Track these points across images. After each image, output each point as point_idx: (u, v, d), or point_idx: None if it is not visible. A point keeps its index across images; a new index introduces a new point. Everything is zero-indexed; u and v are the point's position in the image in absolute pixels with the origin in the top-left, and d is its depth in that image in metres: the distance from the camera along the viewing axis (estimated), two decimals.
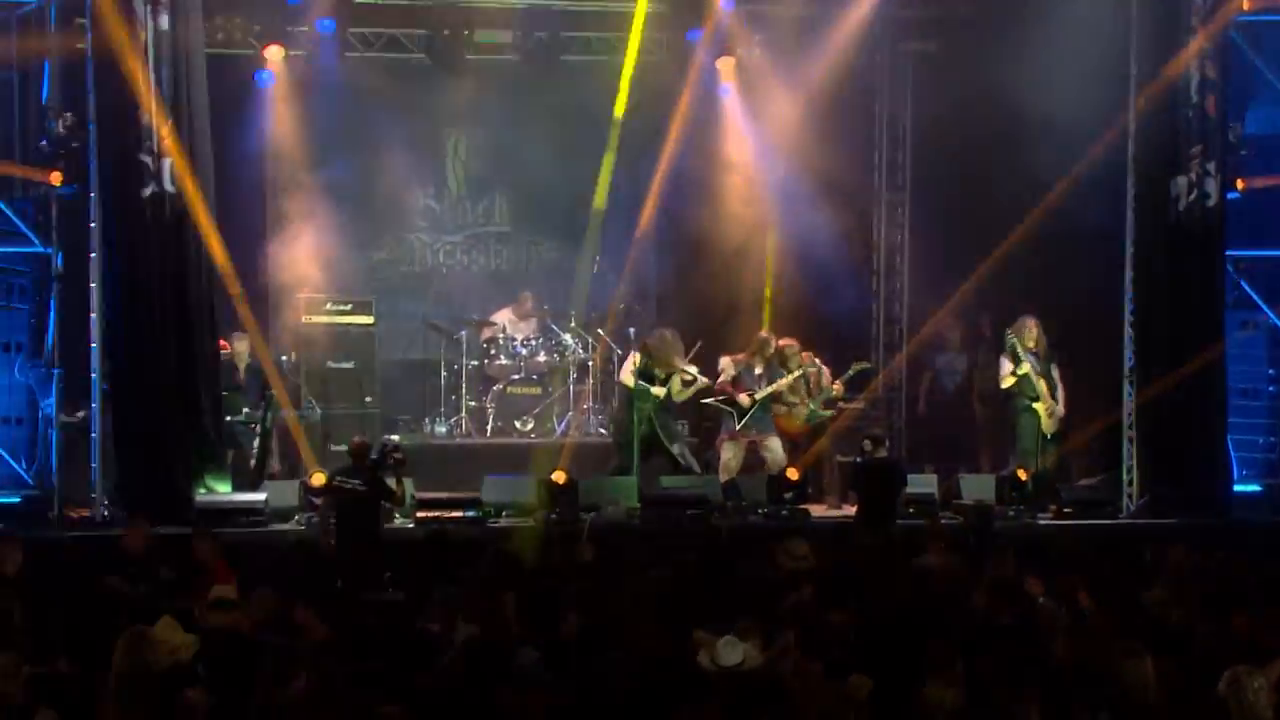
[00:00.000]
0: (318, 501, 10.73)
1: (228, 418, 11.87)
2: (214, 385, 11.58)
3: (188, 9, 11.15)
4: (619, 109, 13.59)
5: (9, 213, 12.45)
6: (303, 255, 13.52)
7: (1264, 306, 14.00)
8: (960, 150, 13.82)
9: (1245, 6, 12.51)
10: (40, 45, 11.98)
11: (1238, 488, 12.83)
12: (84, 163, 11.39)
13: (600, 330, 13.96)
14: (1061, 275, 13.18)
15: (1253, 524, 12.07)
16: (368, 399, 13.37)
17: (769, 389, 12.44)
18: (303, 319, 13.44)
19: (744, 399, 12.35)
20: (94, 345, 11.27)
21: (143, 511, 10.19)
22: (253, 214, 13.59)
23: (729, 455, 12.39)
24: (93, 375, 11.31)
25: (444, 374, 14.06)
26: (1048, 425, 12.42)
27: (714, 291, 14.13)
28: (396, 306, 14.69)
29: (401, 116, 14.14)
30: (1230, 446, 12.71)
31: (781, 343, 12.73)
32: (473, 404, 13.98)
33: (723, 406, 12.46)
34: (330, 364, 13.41)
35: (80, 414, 11.69)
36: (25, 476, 12.57)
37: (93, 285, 11.29)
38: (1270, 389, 14.16)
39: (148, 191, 11.13)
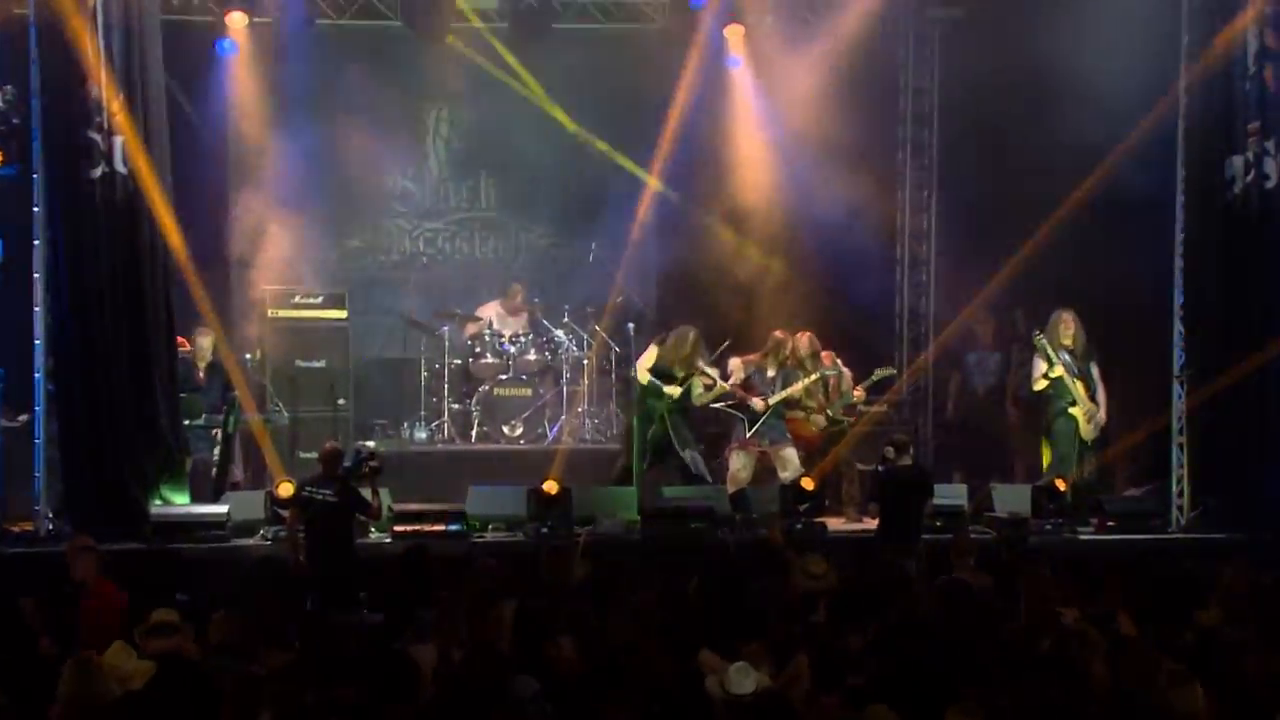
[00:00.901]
0: (285, 514, 10.69)
1: (186, 422, 11.88)
2: (171, 386, 11.58)
3: None
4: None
5: None
6: (268, 243, 13.56)
7: None
8: (992, 127, 13.86)
9: None
10: None
11: None
12: (27, 141, 11.35)
13: (597, 326, 14.11)
14: (1104, 265, 13.20)
15: None
16: (340, 401, 13.42)
17: (783, 393, 12.43)
18: (269, 313, 13.51)
19: (756, 404, 12.38)
20: (38, 342, 11.24)
21: (92, 525, 10.26)
22: (213, 198, 13.62)
23: (738, 465, 12.38)
24: (36, 375, 11.28)
25: (424, 374, 14.14)
26: (1087, 431, 12.42)
27: (721, 284, 14.22)
28: (372, 300, 14.78)
29: (377, 90, 14.20)
30: None
31: (799, 340, 12.78)
32: (456, 407, 14.05)
33: (732, 412, 12.45)
34: (299, 363, 13.46)
35: (22, 418, 11.67)
36: None
37: (36, 276, 11.25)
38: None
39: (97, 172, 11.12)
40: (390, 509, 11.20)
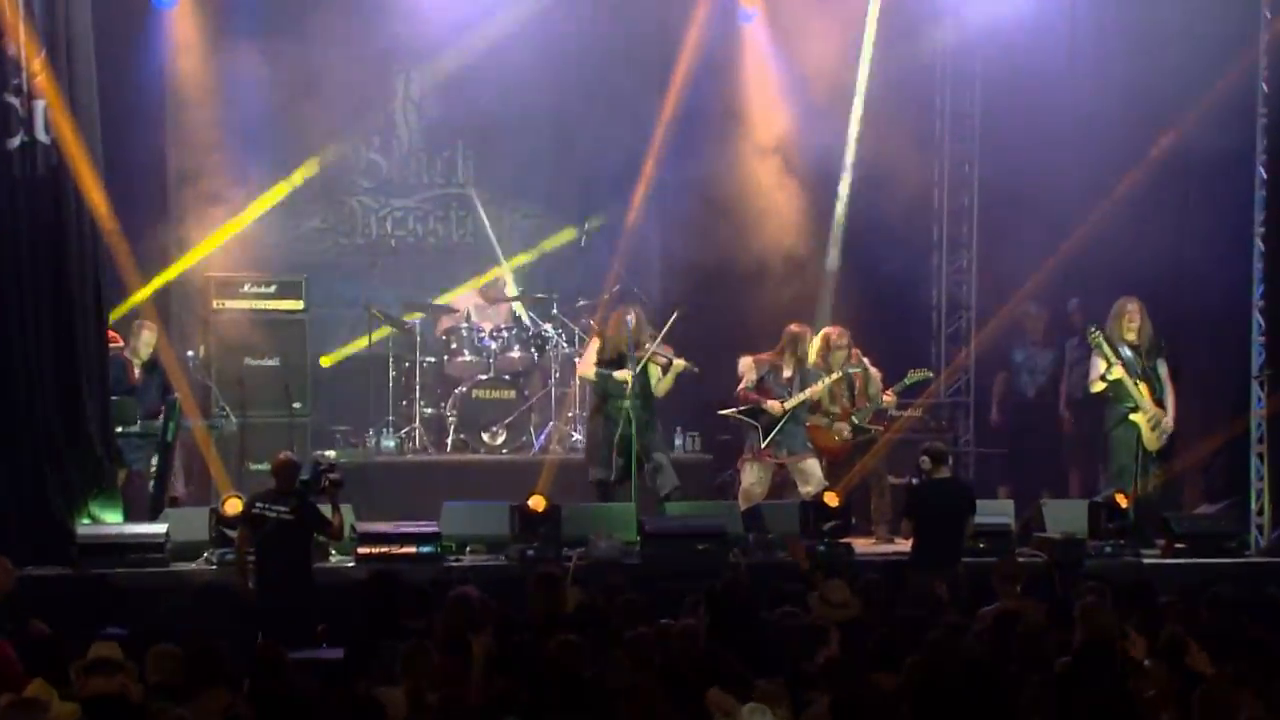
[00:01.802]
0: (233, 535, 10.68)
1: (119, 429, 11.84)
2: (102, 387, 11.54)
3: None
4: None
5: None
6: (214, 224, 13.58)
7: None
8: (1043, 87, 13.89)
9: None
10: None
11: None
12: None
13: (590, 320, 14.06)
14: (1172, 247, 13.23)
15: None
16: (296, 405, 13.46)
17: (802, 395, 12.43)
18: (214, 304, 13.54)
19: (772, 407, 12.38)
20: None
21: (7, 547, 10.14)
22: (151, 172, 13.63)
23: (752, 478, 12.44)
24: None
25: (392, 373, 14.18)
26: (1151, 439, 12.48)
27: (731, 271, 14.32)
28: (333, 289, 14.76)
29: (338, 48, 14.19)
30: None
31: (824, 334, 12.77)
32: (429, 412, 14.11)
33: (744, 419, 12.53)
34: (249, 361, 13.49)
35: None
36: None
37: None
38: None
39: (16, 142, 11.05)
40: (353, 529, 11.18)
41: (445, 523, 11.61)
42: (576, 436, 13.91)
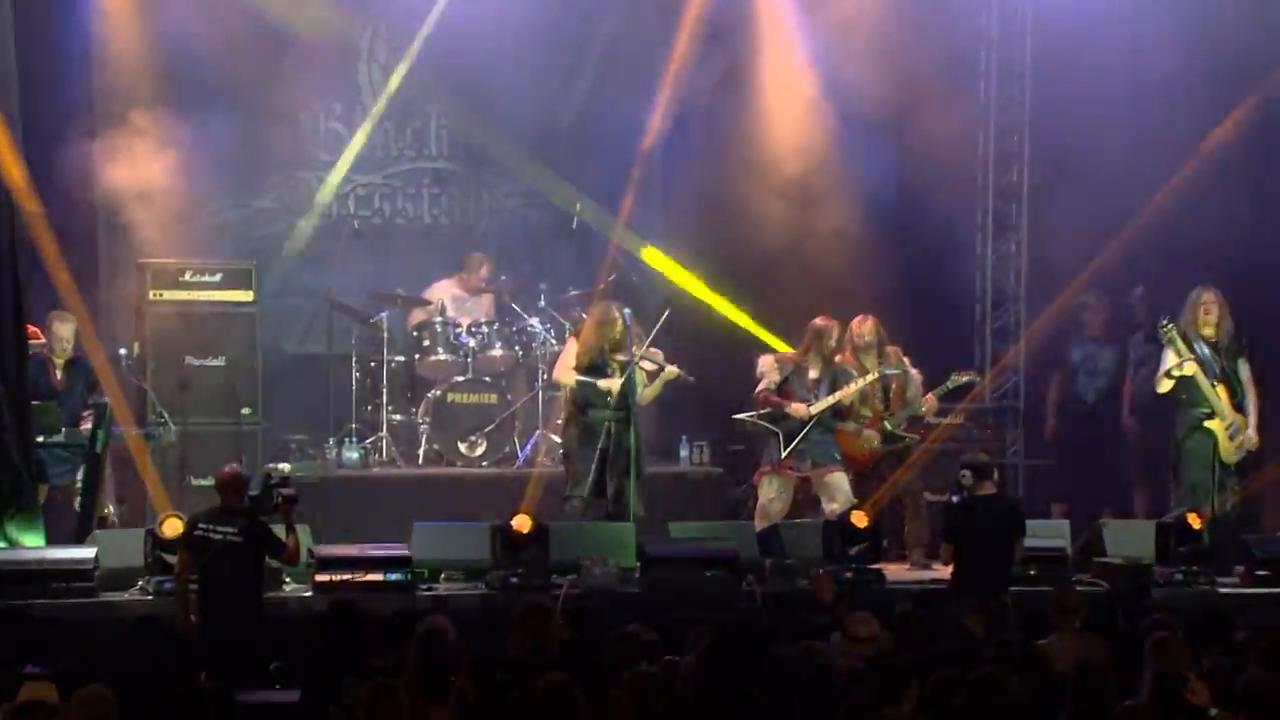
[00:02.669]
0: (171, 560, 10.66)
1: (39, 438, 11.81)
2: (18, 389, 11.49)
3: None
4: None
5: None
6: (149, 202, 13.54)
7: None
8: (1103, 49, 13.94)
9: None
10: None
11: None
12: None
13: (583, 312, 13.88)
14: (1254, 228, 13.22)
15: None
16: (246, 411, 13.52)
17: (831, 399, 12.45)
18: (150, 295, 13.54)
19: (797, 411, 12.39)
20: None
21: None
22: (77, 144, 13.60)
23: (770, 494, 12.47)
24: None
25: (356, 374, 14.23)
26: (1229, 450, 12.47)
27: (747, 257, 14.41)
28: (288, 277, 14.82)
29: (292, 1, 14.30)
30: None
31: (857, 328, 12.76)
32: (398, 419, 14.18)
33: (763, 425, 12.54)
34: (191, 360, 13.52)
35: None
36: None
37: None
38: None
39: None
40: (311, 553, 11.19)
41: (417, 546, 11.59)
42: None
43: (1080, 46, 14.12)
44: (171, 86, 13.83)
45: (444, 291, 14.62)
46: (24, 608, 10.59)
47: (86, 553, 11.25)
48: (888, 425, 12.83)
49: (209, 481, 11.28)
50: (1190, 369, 12.33)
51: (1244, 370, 12.53)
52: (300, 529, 10.71)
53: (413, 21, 14.84)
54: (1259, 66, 12.66)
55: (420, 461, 13.96)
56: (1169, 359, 12.46)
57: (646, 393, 12.42)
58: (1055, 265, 14.41)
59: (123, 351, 13.33)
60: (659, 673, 7.88)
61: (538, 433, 14.09)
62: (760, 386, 12.54)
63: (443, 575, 11.68)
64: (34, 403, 11.76)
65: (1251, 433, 12.46)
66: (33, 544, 11.41)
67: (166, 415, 13.07)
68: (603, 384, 12.27)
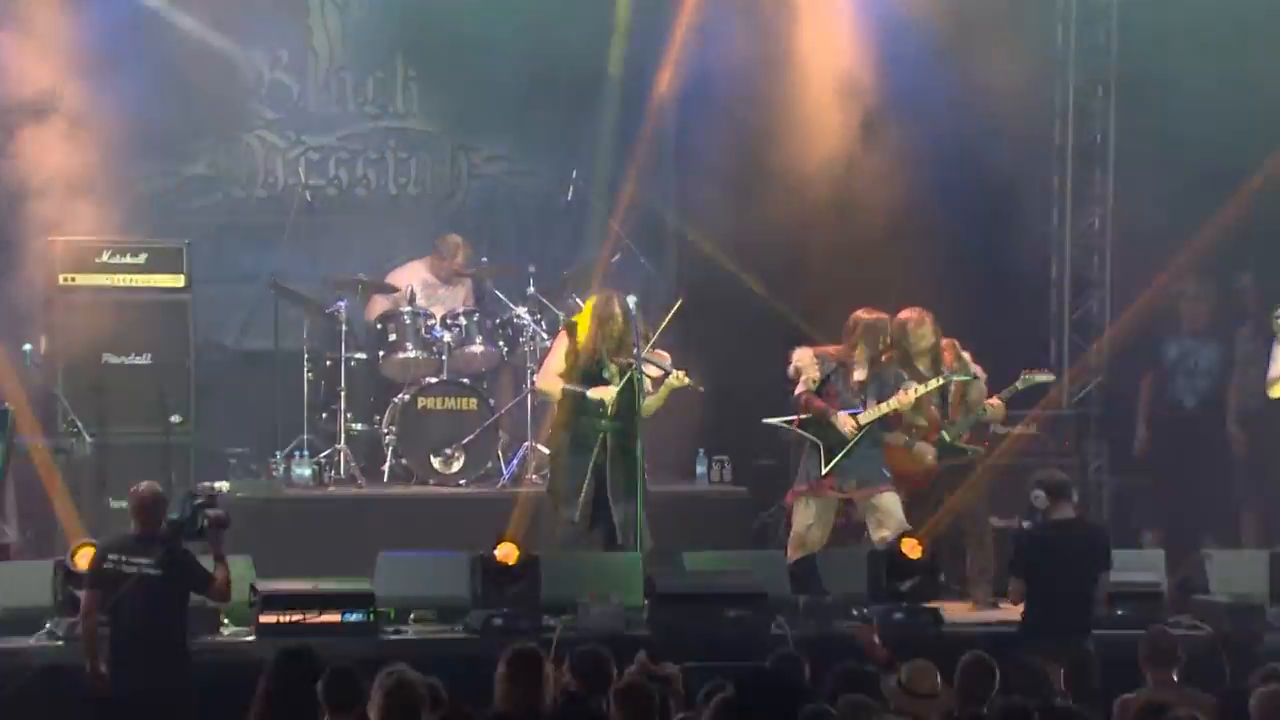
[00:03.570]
0: (83, 596, 10.42)
1: None
2: None
3: None
4: None
5: None
6: (56, 169, 13.49)
7: None
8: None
9: None
10: None
11: None
12: None
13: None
14: None
15: None
16: (176, 419, 13.53)
17: (883, 407, 12.43)
18: (59, 279, 13.54)
19: (842, 422, 12.34)
20: None
21: None
22: None
23: (807, 518, 12.45)
24: None
25: (308, 375, 14.26)
26: None
27: (774, 238, 14.41)
28: (225, 259, 14.89)
29: None
30: None
31: (911, 323, 12.71)
32: (359, 428, 14.25)
33: (802, 433, 12.52)
34: (110, 358, 13.54)
35: None
36: None
37: None
38: None
39: None
40: (253, 589, 11.17)
41: (382, 580, 11.59)
42: None
43: None
44: (80, 32, 13.66)
45: (413, 276, 14.60)
46: None
47: None
48: (946, 436, 12.78)
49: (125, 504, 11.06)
50: None
51: None
52: (240, 561, 10.72)
53: None
54: None
55: (385, 479, 14.00)
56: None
57: (648, 403, 12.37)
58: (1146, 244, 14.49)
59: (27, 347, 13.34)
60: None
61: (525, 445, 14.09)
62: (800, 388, 12.47)
63: (413, 616, 11.67)
64: None
65: None
66: None
67: (80, 425, 13.04)
68: (594, 393, 12.21)
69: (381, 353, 14.21)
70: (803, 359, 12.55)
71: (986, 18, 14.01)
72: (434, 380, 14.08)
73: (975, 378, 12.77)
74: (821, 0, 14.56)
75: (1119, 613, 11.53)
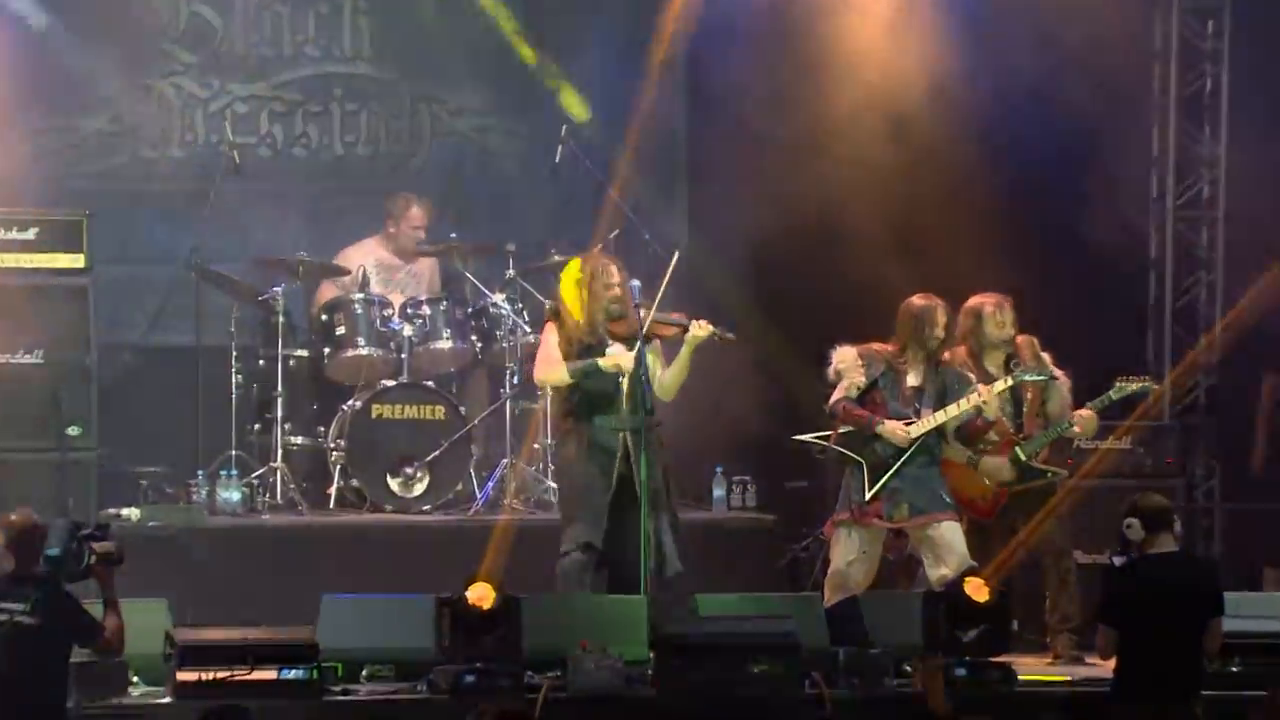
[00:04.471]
0: None
1: None
2: None
3: None
4: None
5: None
6: None
7: None
8: None
9: None
10: None
11: None
12: None
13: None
14: None
15: None
16: (74, 430, 13.61)
17: (941, 416, 12.36)
18: None
19: (891, 433, 12.22)
20: None
21: None
22: None
23: (848, 553, 12.39)
24: None
25: (236, 377, 14.34)
26: None
27: (812, 209, 14.39)
28: (134, 234, 14.95)
29: None
30: None
31: (973, 308, 12.66)
32: (299, 442, 14.34)
33: (839, 450, 12.46)
34: None
35: None
36: None
37: None
38: None
39: None
40: (170, 640, 10.99)
41: (327, 629, 11.40)
42: (548, 483, 13.88)
43: None
44: None
45: (366, 255, 14.63)
46: None
47: None
48: (1021, 454, 12.69)
49: None
50: None
51: None
52: (153, 605, 10.80)
53: None
54: None
55: (332, 505, 14.01)
56: None
57: (671, 374, 12.20)
58: (1266, 217, 14.55)
59: None
60: None
61: (504, 461, 14.09)
62: (837, 394, 12.33)
63: (365, 671, 11.54)
64: None
65: None
66: None
67: None
68: (606, 362, 12.03)
69: (327, 349, 14.21)
70: (844, 359, 12.41)
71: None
72: (392, 384, 14.10)
73: (1054, 379, 12.64)
74: None
75: (1233, 668, 11.40)
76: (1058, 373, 12.67)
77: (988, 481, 12.66)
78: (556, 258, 14.23)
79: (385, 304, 14.22)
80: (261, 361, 14.17)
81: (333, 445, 14.02)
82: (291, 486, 13.95)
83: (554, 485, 13.50)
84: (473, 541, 12.57)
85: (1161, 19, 15.20)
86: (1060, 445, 12.78)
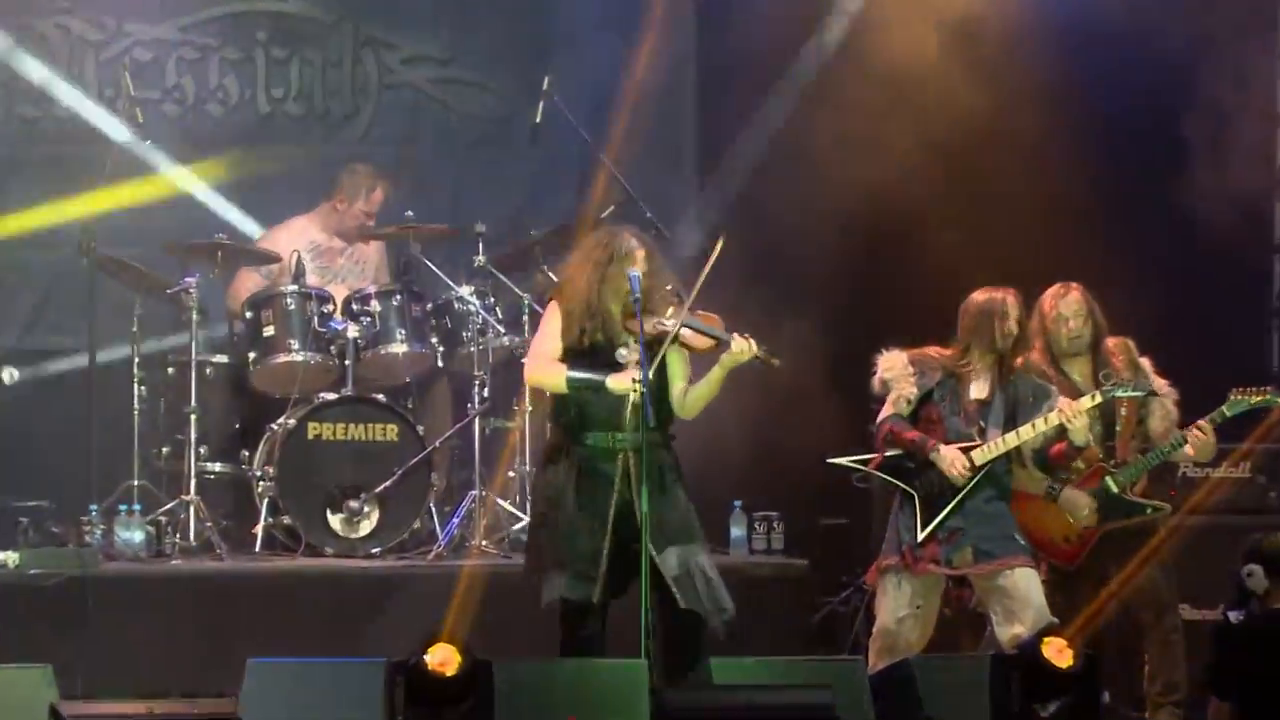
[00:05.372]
0: None
1: None
2: None
3: None
4: None
5: None
6: None
7: None
8: None
9: None
10: None
11: None
12: None
13: (551, 273, 14.17)
14: None
15: None
16: None
17: (1016, 438, 12.31)
18: None
19: (951, 463, 12.08)
20: None
21: None
22: None
23: (898, 607, 12.36)
24: None
25: (140, 390, 14.47)
26: None
27: (853, 188, 14.51)
28: (8, 210, 15.07)
29: None
30: None
31: (1055, 307, 12.67)
32: (216, 470, 14.54)
33: (884, 479, 12.37)
34: None
35: None
36: None
37: None
38: None
39: None
40: (54, 713, 10.68)
41: (252, 700, 11.14)
42: (524, 519, 13.80)
43: None
44: None
45: (300, 237, 14.80)
46: None
47: None
48: (1113, 484, 12.71)
49: None
50: None
51: None
52: (33, 672, 10.70)
53: None
54: None
55: (258, 547, 14.08)
56: None
57: (698, 392, 11.86)
58: None
59: None
60: None
61: (471, 495, 14.16)
62: (885, 410, 12.30)
63: None
64: None
65: None
66: None
67: None
68: (614, 383, 11.64)
69: (253, 354, 14.33)
70: (892, 366, 12.36)
71: None
72: (333, 397, 14.23)
73: (1155, 394, 12.53)
74: None
75: None
76: (1160, 383, 12.58)
77: (1072, 519, 12.61)
78: (535, 237, 14.35)
79: (324, 298, 14.34)
80: (171, 370, 14.32)
81: (259, 473, 14.14)
82: (208, 524, 13.98)
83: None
84: (433, 592, 12.71)
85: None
86: (1162, 474, 12.79)
